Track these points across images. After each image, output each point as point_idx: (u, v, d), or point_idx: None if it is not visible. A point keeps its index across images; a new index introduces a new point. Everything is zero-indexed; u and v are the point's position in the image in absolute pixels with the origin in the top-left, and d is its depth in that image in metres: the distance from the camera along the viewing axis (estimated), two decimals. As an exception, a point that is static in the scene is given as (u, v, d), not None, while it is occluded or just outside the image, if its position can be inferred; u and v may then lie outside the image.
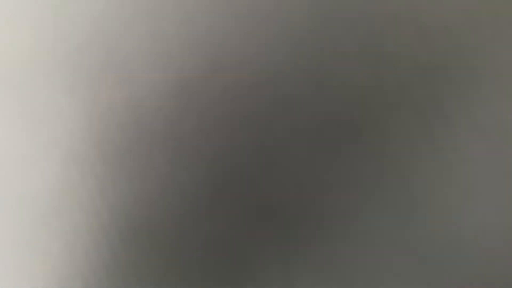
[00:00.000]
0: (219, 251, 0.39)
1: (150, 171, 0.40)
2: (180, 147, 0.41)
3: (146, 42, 0.43)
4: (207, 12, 0.43)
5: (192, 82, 0.42)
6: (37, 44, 0.43)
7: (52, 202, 0.40)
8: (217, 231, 0.40)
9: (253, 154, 0.41)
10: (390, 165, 0.40)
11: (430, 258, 0.39)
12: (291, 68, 0.42)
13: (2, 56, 0.43)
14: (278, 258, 0.39)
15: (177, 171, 0.40)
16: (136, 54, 0.42)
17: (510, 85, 0.42)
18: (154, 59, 0.42)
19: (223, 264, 0.39)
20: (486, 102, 0.42)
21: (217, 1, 0.43)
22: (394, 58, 0.42)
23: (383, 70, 0.42)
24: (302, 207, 0.40)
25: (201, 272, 0.39)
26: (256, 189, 0.40)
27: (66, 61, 0.42)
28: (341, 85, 0.42)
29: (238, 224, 0.40)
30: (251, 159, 0.41)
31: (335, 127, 0.41)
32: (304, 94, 0.42)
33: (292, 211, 0.40)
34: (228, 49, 0.42)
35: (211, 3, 0.43)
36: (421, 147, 0.41)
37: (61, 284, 0.39)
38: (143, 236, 0.40)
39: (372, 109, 0.41)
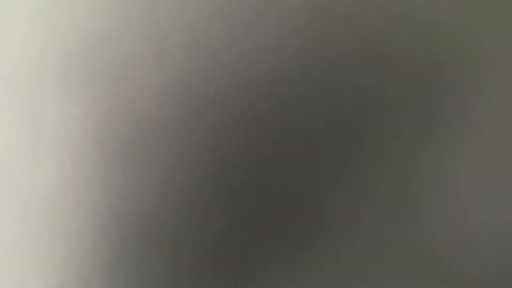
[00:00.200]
0: (220, 251, 0.39)
1: (151, 172, 0.40)
2: (181, 148, 0.41)
3: (146, 44, 0.43)
4: (206, 14, 0.43)
5: (192, 83, 0.42)
6: (39, 47, 0.43)
7: (54, 204, 0.40)
8: (218, 231, 0.40)
9: (253, 154, 0.41)
10: (389, 165, 0.40)
11: (430, 258, 0.39)
12: (290, 69, 0.42)
13: (4, 59, 0.43)
14: (278, 257, 0.39)
15: (178, 172, 0.41)
16: (136, 56, 0.42)
17: (509, 87, 0.42)
18: (154, 60, 0.42)
19: (224, 264, 0.39)
20: (485, 103, 0.41)
21: (217, 2, 0.43)
22: (393, 59, 0.42)
23: (382, 72, 0.42)
24: (302, 207, 0.40)
25: (202, 272, 0.39)
26: (256, 189, 0.40)
27: (67, 63, 0.43)
28: (340, 86, 0.42)
29: (238, 224, 0.40)
30: (251, 159, 0.41)
31: (334, 128, 0.41)
32: (304, 95, 0.42)
33: (292, 211, 0.40)
34: (227, 50, 0.42)
35: (211, 4, 0.43)
36: (420, 148, 0.41)
37: (63, 284, 0.39)
38: (144, 237, 0.40)
39: (371, 111, 0.41)
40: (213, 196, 0.40)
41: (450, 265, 0.39)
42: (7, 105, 0.42)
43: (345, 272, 0.39)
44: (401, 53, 0.42)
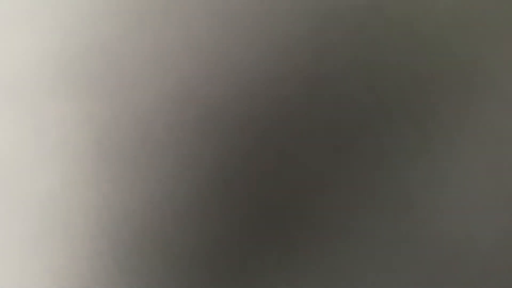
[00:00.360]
0: (220, 253, 0.39)
1: (151, 174, 0.41)
2: (181, 150, 0.41)
3: (146, 48, 0.43)
4: (206, 17, 0.43)
5: (193, 86, 0.42)
6: (41, 51, 0.43)
7: (55, 206, 0.40)
8: (218, 233, 0.40)
9: (252, 157, 0.41)
10: (387, 168, 0.40)
11: (427, 258, 0.39)
12: (289, 73, 0.42)
13: (6, 63, 0.43)
14: (277, 258, 0.39)
15: (178, 174, 0.41)
16: (137, 59, 0.43)
17: (505, 91, 0.42)
18: (155, 64, 0.42)
19: (224, 266, 0.39)
20: (480, 107, 0.42)
21: (217, 6, 0.44)
22: (390, 65, 0.42)
23: (379, 77, 0.42)
24: (301, 209, 0.40)
25: (202, 274, 0.39)
26: (255, 191, 0.40)
27: (69, 67, 0.43)
28: (337, 90, 0.42)
29: (237, 225, 0.40)
30: (250, 161, 0.41)
31: (332, 132, 0.41)
32: (302, 98, 0.42)
33: (291, 213, 0.40)
34: (227, 54, 0.43)
35: (211, 8, 0.44)
36: (417, 151, 0.41)
37: (63, 285, 0.39)
38: (144, 238, 0.40)
39: (368, 115, 0.41)
40: (213, 198, 0.40)
41: (447, 265, 0.39)
42: (9, 108, 0.42)
43: (343, 273, 0.39)
44: (397, 57, 0.42)
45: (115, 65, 0.43)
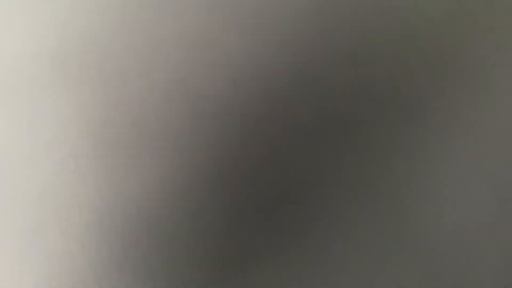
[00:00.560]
0: (217, 250, 0.39)
1: (148, 171, 0.40)
2: (178, 146, 0.41)
3: (143, 44, 0.43)
4: (204, 13, 0.43)
5: (189, 82, 0.42)
6: (37, 46, 0.43)
7: (51, 203, 0.40)
8: (215, 229, 0.40)
9: (249, 154, 0.41)
10: (381, 166, 0.41)
11: (423, 257, 0.39)
12: (285, 67, 0.42)
13: (2, 59, 0.43)
14: (276, 256, 0.39)
15: (175, 171, 0.41)
16: (134, 56, 0.43)
17: (500, 89, 0.42)
18: (151, 60, 0.42)
19: (221, 263, 0.39)
20: (476, 106, 0.42)
21: (213, 3, 0.44)
22: (385, 62, 0.42)
23: (374, 75, 0.42)
24: (296, 205, 0.40)
25: (199, 270, 0.39)
26: (252, 188, 0.40)
27: (65, 62, 0.42)
28: (332, 84, 0.42)
29: (235, 223, 0.40)
30: (248, 158, 0.41)
31: (327, 125, 0.41)
32: (296, 95, 0.42)
33: (287, 210, 0.40)
34: (224, 50, 0.43)
35: (207, 4, 0.44)
36: (411, 149, 0.41)
37: (60, 283, 0.39)
38: (142, 236, 0.40)
39: (362, 109, 0.41)
40: (209, 195, 0.40)
41: (444, 264, 0.39)
42: (4, 104, 0.42)
43: (341, 270, 0.39)
44: (392, 53, 0.42)
45: (110, 61, 0.42)
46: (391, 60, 0.42)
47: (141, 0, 0.44)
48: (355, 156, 0.41)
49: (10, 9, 0.44)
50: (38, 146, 0.41)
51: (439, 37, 0.43)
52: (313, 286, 0.39)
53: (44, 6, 0.44)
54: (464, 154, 0.41)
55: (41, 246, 0.39)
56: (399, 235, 0.39)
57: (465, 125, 0.41)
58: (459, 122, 0.41)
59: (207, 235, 0.40)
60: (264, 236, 0.39)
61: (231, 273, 0.39)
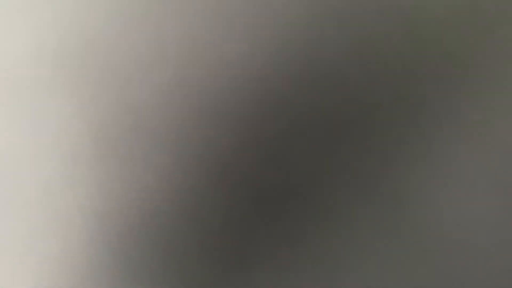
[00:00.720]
0: (216, 249, 0.39)
1: (149, 172, 0.41)
2: (178, 147, 0.41)
3: (144, 45, 0.43)
4: (204, 16, 0.43)
5: (190, 83, 0.42)
6: (38, 47, 0.43)
7: (52, 203, 0.40)
8: (215, 229, 0.40)
9: (250, 153, 0.41)
10: (381, 164, 0.41)
11: (423, 254, 0.39)
12: (285, 67, 0.42)
13: (4, 58, 0.43)
14: (275, 255, 0.39)
15: (174, 171, 0.41)
16: (134, 56, 0.43)
17: (501, 90, 0.42)
18: (152, 61, 0.43)
19: (220, 262, 0.39)
20: (477, 106, 0.42)
21: (214, 5, 0.44)
22: (387, 63, 0.42)
23: (376, 75, 0.42)
24: (298, 205, 0.40)
25: (198, 270, 0.39)
26: (253, 187, 0.40)
27: (67, 63, 0.43)
28: (333, 85, 0.42)
29: (234, 222, 0.40)
30: (247, 158, 0.41)
31: (327, 125, 0.41)
32: (298, 95, 0.42)
33: (288, 209, 0.40)
34: (224, 51, 0.43)
35: (207, 5, 0.44)
36: (412, 146, 0.41)
37: (61, 284, 0.39)
38: (142, 236, 0.40)
39: (363, 108, 0.41)
40: (210, 196, 0.40)
41: (443, 262, 0.39)
42: (6, 104, 0.42)
43: (342, 270, 0.39)
44: (392, 53, 0.42)
45: (112, 61, 0.43)
46: (392, 60, 0.42)
47: (142, 2, 0.44)
48: (356, 156, 0.41)
49: (12, 10, 0.44)
50: (39, 147, 0.41)
51: (441, 38, 0.43)
52: (314, 286, 0.39)
53: (45, 7, 0.44)
54: (465, 155, 0.41)
55: (41, 247, 0.39)
56: (400, 235, 0.39)
57: (467, 126, 0.41)
58: (461, 122, 0.41)
59: (207, 236, 0.40)
60: (264, 236, 0.39)
61: (232, 274, 0.39)
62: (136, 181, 0.40)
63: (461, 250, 0.39)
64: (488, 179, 0.40)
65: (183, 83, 0.42)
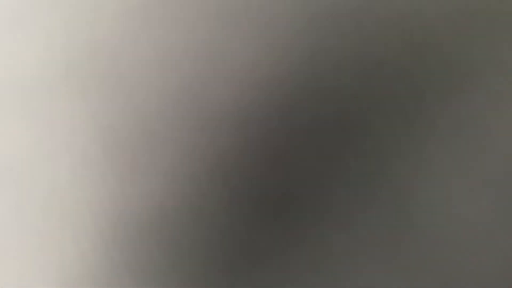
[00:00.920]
0: (223, 249, 0.39)
1: (156, 174, 0.40)
2: (185, 150, 0.41)
3: (150, 51, 0.43)
4: (206, 22, 0.43)
5: (196, 87, 0.42)
6: (48, 52, 0.43)
7: (61, 204, 0.40)
8: (221, 230, 0.40)
9: (250, 155, 0.41)
10: (382, 166, 0.40)
11: (420, 254, 0.39)
12: (285, 73, 0.42)
13: (14, 63, 0.43)
14: (277, 255, 0.39)
15: (182, 174, 0.40)
16: (141, 61, 0.42)
17: (496, 93, 0.42)
18: (157, 65, 0.42)
19: (226, 262, 0.39)
20: (473, 109, 0.41)
21: (217, 11, 0.44)
22: (384, 66, 0.42)
23: (373, 78, 0.42)
24: (298, 206, 0.40)
25: (203, 271, 0.39)
26: (255, 189, 0.40)
27: (75, 68, 0.42)
28: (332, 90, 0.42)
29: (238, 223, 0.40)
30: (249, 159, 0.41)
31: (329, 129, 0.41)
32: (301, 98, 0.42)
33: (288, 210, 0.40)
34: (226, 57, 0.43)
35: (210, 12, 0.43)
36: (412, 149, 0.41)
37: (70, 284, 0.39)
38: (150, 237, 0.39)
39: (360, 113, 0.41)
40: (215, 196, 0.40)
41: (440, 261, 0.39)
42: (15, 108, 0.42)
43: (344, 270, 0.39)
44: (391, 59, 0.42)
45: (119, 66, 0.42)
46: (391, 65, 0.42)
47: (148, 9, 0.44)
48: (357, 158, 0.41)
49: (19, 15, 0.44)
50: (48, 151, 0.41)
51: (439, 42, 0.43)
52: (316, 286, 0.39)
53: (52, 12, 0.43)
54: (465, 157, 0.41)
55: (52, 250, 0.39)
56: (400, 235, 0.39)
57: (463, 129, 0.41)
58: (458, 125, 0.41)
59: (213, 237, 0.40)
60: (268, 238, 0.39)
61: (236, 273, 0.39)
62: (144, 183, 0.40)
63: (460, 252, 0.39)
64: (485, 180, 0.40)
65: (190, 87, 0.42)
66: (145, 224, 0.40)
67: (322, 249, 0.39)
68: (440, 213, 0.40)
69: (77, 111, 0.42)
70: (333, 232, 0.40)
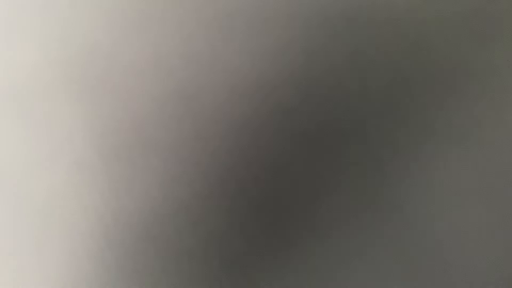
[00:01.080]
0: (219, 253, 0.39)
1: (150, 177, 0.40)
2: (181, 153, 0.41)
3: (145, 55, 0.43)
4: (201, 26, 0.43)
5: (189, 92, 0.42)
6: (43, 57, 0.43)
7: (56, 208, 0.40)
8: (217, 233, 0.40)
9: (247, 158, 0.41)
10: (379, 170, 0.40)
11: (419, 259, 0.39)
12: (281, 76, 0.42)
13: (8, 68, 0.43)
14: (273, 259, 0.39)
15: (177, 176, 0.41)
16: (136, 66, 0.43)
17: (494, 95, 0.42)
18: (153, 68, 0.42)
19: (223, 266, 0.39)
20: (470, 112, 0.42)
21: (213, 16, 0.44)
22: (382, 67, 0.42)
23: (370, 80, 0.42)
24: (295, 210, 0.40)
25: (200, 273, 0.39)
26: (251, 191, 0.40)
27: (70, 73, 0.43)
28: (328, 93, 0.42)
29: (235, 226, 0.40)
30: (245, 162, 0.41)
31: (327, 133, 0.41)
32: (294, 102, 0.42)
33: (285, 214, 0.40)
34: (223, 60, 0.43)
35: (208, 18, 0.44)
36: (408, 152, 0.41)
37: (63, 284, 0.39)
38: (145, 241, 0.40)
39: (357, 116, 0.41)
40: (213, 202, 0.40)
41: (436, 264, 0.39)
42: (11, 110, 0.42)
43: (339, 274, 0.39)
44: (386, 62, 0.42)
45: (114, 70, 0.42)
46: (387, 68, 0.42)
47: (144, 13, 0.44)
48: (355, 163, 0.41)
49: (16, 18, 0.44)
50: (44, 154, 0.41)
51: (435, 44, 0.43)
52: None
53: (49, 15, 0.44)
54: (460, 160, 0.41)
55: (46, 252, 0.39)
56: (397, 239, 0.39)
57: (461, 131, 0.41)
58: (454, 129, 0.41)
59: (210, 242, 0.40)
60: (265, 241, 0.39)
61: (231, 278, 0.39)
62: (139, 187, 0.40)
63: (456, 254, 0.39)
64: (481, 184, 0.40)
65: (185, 91, 0.42)
66: (140, 229, 0.40)
67: (319, 251, 0.39)
68: (437, 216, 0.40)
69: (72, 115, 0.42)
70: (329, 235, 0.40)
